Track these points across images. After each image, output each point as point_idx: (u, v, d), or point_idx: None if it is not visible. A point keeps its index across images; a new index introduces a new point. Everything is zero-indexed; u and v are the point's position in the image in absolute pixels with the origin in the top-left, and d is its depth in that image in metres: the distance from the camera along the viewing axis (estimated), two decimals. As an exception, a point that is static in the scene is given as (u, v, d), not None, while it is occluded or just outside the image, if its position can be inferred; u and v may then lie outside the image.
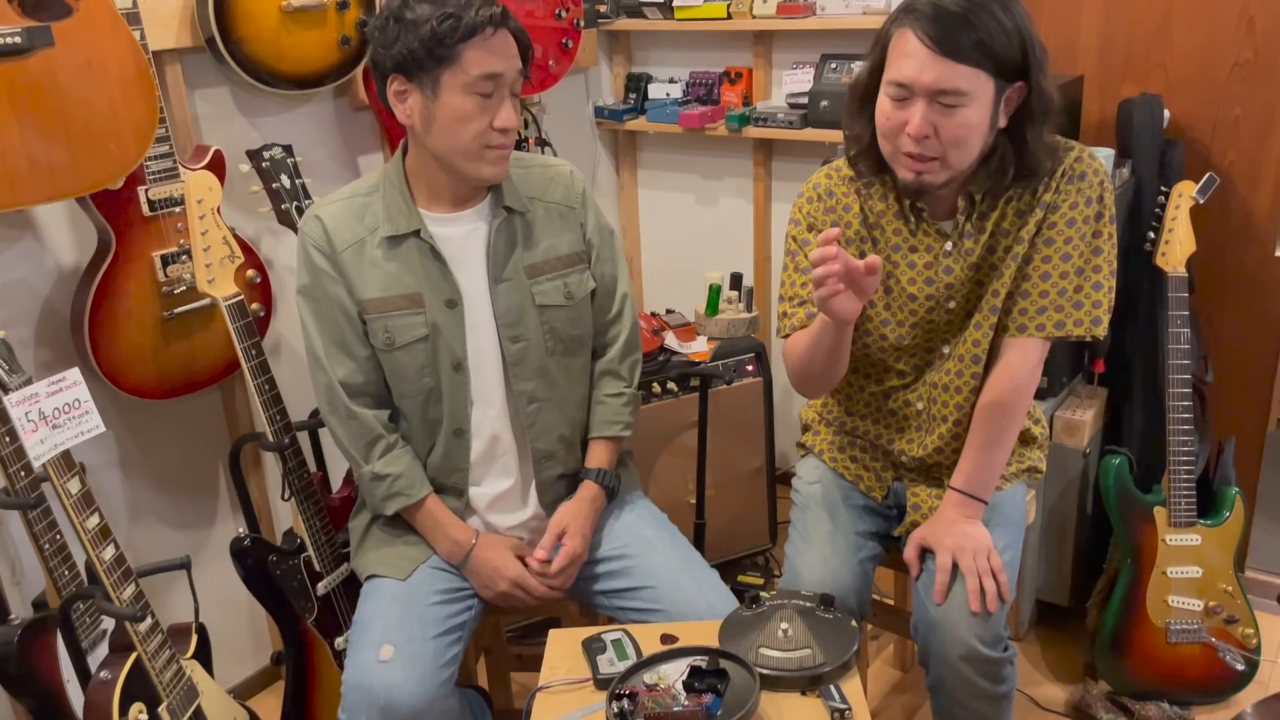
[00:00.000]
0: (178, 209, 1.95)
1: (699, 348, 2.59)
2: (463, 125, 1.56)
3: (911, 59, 1.43)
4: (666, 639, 1.53)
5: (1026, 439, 1.80)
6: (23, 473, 1.59)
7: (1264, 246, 2.35)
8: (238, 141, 2.15)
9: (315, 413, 2.08)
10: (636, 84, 3.08)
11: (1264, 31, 2.24)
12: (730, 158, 3.02)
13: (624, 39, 3.11)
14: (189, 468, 2.26)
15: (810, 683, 1.41)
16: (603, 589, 1.75)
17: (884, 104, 1.50)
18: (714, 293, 2.68)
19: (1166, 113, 2.32)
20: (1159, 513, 2.13)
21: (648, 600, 1.68)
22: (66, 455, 1.53)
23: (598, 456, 1.81)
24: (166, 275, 1.96)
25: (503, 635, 2.15)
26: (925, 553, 1.66)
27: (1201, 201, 2.17)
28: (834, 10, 2.62)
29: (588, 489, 1.79)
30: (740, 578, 2.60)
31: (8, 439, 1.55)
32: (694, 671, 1.37)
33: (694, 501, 2.50)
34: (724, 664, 1.38)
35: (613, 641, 1.52)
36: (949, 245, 1.61)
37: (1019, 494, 1.78)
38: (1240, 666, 2.13)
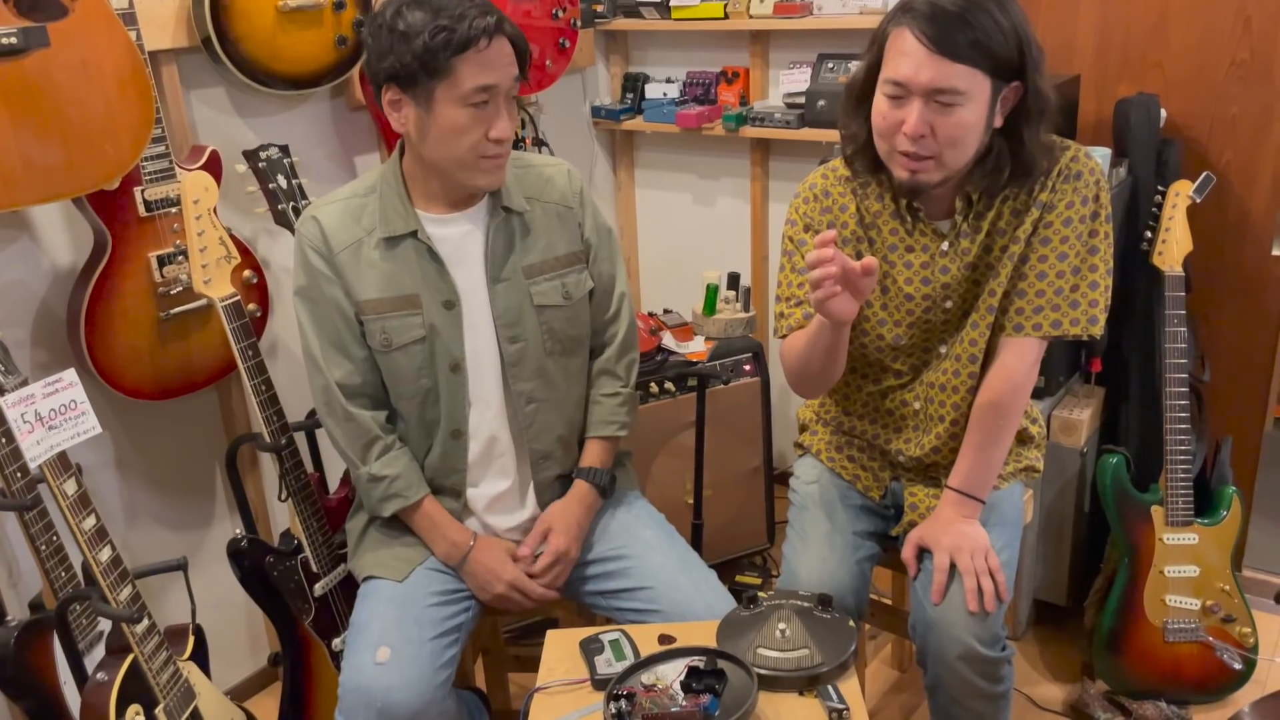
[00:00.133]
0: (174, 209, 1.95)
1: (696, 348, 2.59)
2: (458, 137, 1.55)
3: (908, 58, 1.43)
4: (664, 639, 1.53)
5: (1024, 438, 1.80)
6: (19, 474, 1.58)
7: (1261, 245, 2.36)
8: (234, 142, 2.15)
9: (312, 413, 2.08)
10: (633, 84, 3.08)
11: (1261, 31, 2.24)
12: (727, 157, 3.02)
13: (621, 39, 3.11)
14: (186, 469, 2.25)
15: (808, 683, 1.41)
16: (600, 589, 1.74)
17: (880, 103, 1.50)
18: (711, 293, 2.68)
19: (1163, 112, 2.32)
20: (1156, 512, 2.13)
21: (645, 601, 1.67)
22: (63, 456, 1.53)
23: (591, 456, 1.81)
24: (163, 276, 1.96)
25: (500, 636, 2.15)
26: (923, 552, 1.66)
27: (1198, 201, 2.17)
28: (831, 10, 2.62)
29: (578, 488, 1.78)
30: (738, 578, 2.60)
31: (4, 440, 1.55)
32: (692, 672, 1.37)
33: (691, 501, 2.49)
34: (722, 664, 1.38)
35: (610, 642, 1.52)
36: (945, 245, 1.61)
37: (1016, 493, 1.78)
38: (1238, 665, 2.13)
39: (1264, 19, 2.23)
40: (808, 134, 2.68)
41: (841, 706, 1.36)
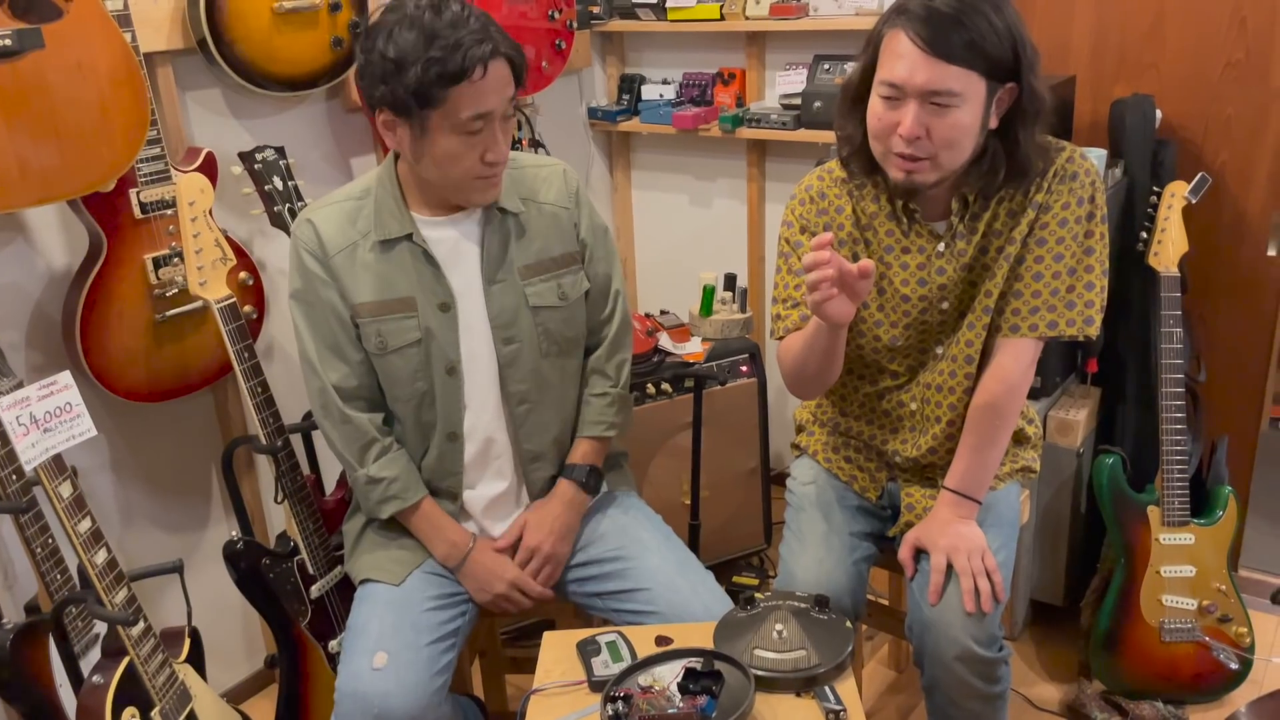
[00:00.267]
0: (169, 211, 1.95)
1: (693, 348, 2.59)
2: (453, 162, 1.54)
3: (903, 60, 1.43)
4: (661, 641, 1.53)
5: (1020, 439, 1.80)
6: (14, 477, 1.58)
7: (1256, 246, 2.36)
8: (230, 143, 2.14)
9: (308, 415, 2.07)
10: (630, 85, 3.08)
11: (1255, 31, 2.25)
12: (724, 158, 3.02)
13: (617, 40, 3.11)
14: (181, 471, 2.25)
15: (805, 684, 1.41)
16: (597, 591, 1.74)
17: (876, 104, 1.50)
18: (708, 294, 2.68)
19: (1159, 113, 2.33)
20: (1152, 512, 2.13)
21: (642, 602, 1.67)
22: (58, 459, 1.52)
23: (577, 454, 1.81)
24: (158, 278, 1.96)
25: (497, 638, 2.15)
26: (920, 553, 1.66)
27: (1194, 201, 2.18)
28: (826, 11, 2.62)
29: (559, 486, 1.78)
30: (735, 579, 2.60)
31: (-1, 443, 1.55)
32: (689, 673, 1.37)
33: (688, 502, 2.49)
34: (719, 665, 1.38)
35: (607, 644, 1.52)
36: (941, 246, 1.61)
37: (1013, 494, 1.78)
38: (1234, 665, 2.14)
39: (1259, 20, 2.24)
40: (804, 135, 2.69)
41: (839, 707, 1.36)
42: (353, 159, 2.45)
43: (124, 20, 1.79)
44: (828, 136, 2.60)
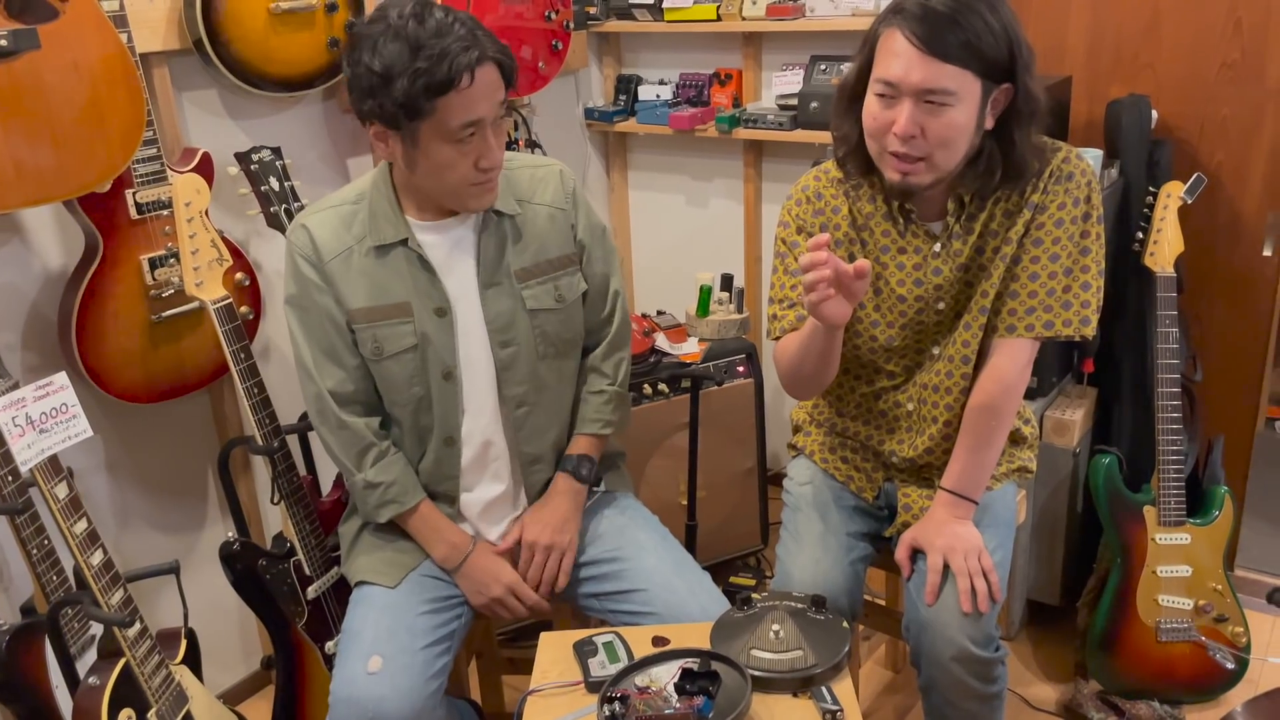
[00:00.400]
0: (165, 212, 1.94)
1: (690, 349, 2.59)
2: (447, 170, 1.53)
3: (899, 59, 1.44)
4: (658, 641, 1.53)
5: (1016, 439, 1.80)
6: (10, 478, 1.58)
7: (1252, 246, 2.36)
8: (226, 144, 2.14)
9: (304, 416, 2.07)
10: (626, 85, 3.08)
11: (1251, 32, 2.25)
12: (720, 159, 3.03)
13: (614, 41, 3.11)
14: (177, 472, 2.25)
15: (802, 684, 1.41)
16: (594, 592, 1.74)
17: (871, 103, 1.51)
18: (705, 294, 2.68)
19: (1154, 113, 2.33)
20: (1149, 512, 2.13)
21: (639, 603, 1.67)
22: (54, 460, 1.52)
23: (572, 449, 1.80)
24: (154, 278, 1.96)
25: (494, 639, 2.15)
26: (916, 553, 1.66)
27: (1190, 201, 2.18)
28: (823, 12, 2.62)
29: (556, 480, 1.77)
30: (732, 579, 2.60)
31: (-6, 444, 1.54)
32: (685, 674, 1.37)
33: (685, 503, 2.49)
34: (715, 666, 1.38)
35: (604, 644, 1.52)
36: (937, 247, 1.62)
37: (1009, 494, 1.78)
38: (1230, 665, 2.14)
39: (1254, 20, 2.24)
40: (800, 135, 2.69)
41: (835, 708, 1.36)
42: (349, 159, 2.45)
43: (120, 21, 1.79)
44: (824, 137, 2.60)
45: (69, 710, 1.67)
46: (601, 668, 1.47)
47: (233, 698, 2.40)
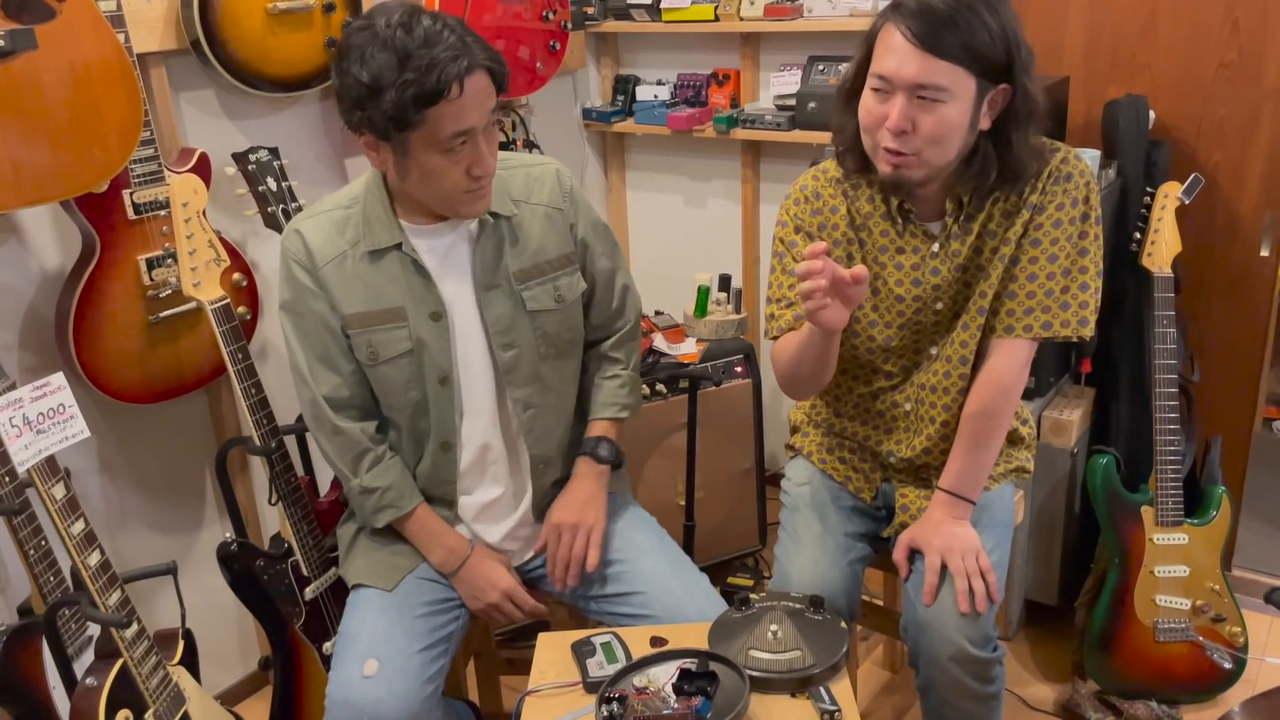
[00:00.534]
0: (163, 212, 1.94)
1: (688, 349, 2.59)
2: (439, 180, 1.51)
3: (894, 54, 1.45)
4: (656, 642, 1.53)
5: (1014, 439, 1.81)
6: (7, 478, 1.57)
7: (1249, 246, 2.36)
8: (223, 144, 2.14)
9: (302, 417, 2.07)
10: (624, 86, 3.08)
11: (1248, 32, 2.25)
12: (718, 159, 3.03)
13: (611, 41, 3.11)
14: (175, 472, 2.24)
15: (800, 684, 1.41)
16: (592, 594, 1.74)
17: (867, 98, 1.52)
18: (702, 294, 2.68)
19: (1152, 113, 2.33)
20: (1146, 512, 2.13)
21: (637, 605, 1.67)
22: (51, 460, 1.52)
23: (590, 432, 1.81)
24: (152, 279, 1.95)
25: (492, 639, 2.15)
26: (914, 554, 1.66)
27: (1187, 202, 2.18)
28: (821, 12, 2.62)
29: (577, 465, 1.77)
30: (730, 579, 2.60)
31: (-9, 445, 1.54)
32: (683, 674, 1.37)
33: (683, 503, 2.49)
34: (713, 666, 1.38)
35: (602, 645, 1.52)
36: (936, 247, 1.62)
37: (1007, 494, 1.78)
38: (1228, 665, 2.14)
39: (1251, 21, 2.24)
40: (798, 136, 2.69)
41: (833, 708, 1.36)
42: (347, 159, 2.44)
43: (117, 21, 1.79)
44: (822, 137, 2.61)
45: (66, 711, 1.67)
46: (600, 668, 1.47)
47: (230, 698, 2.40)
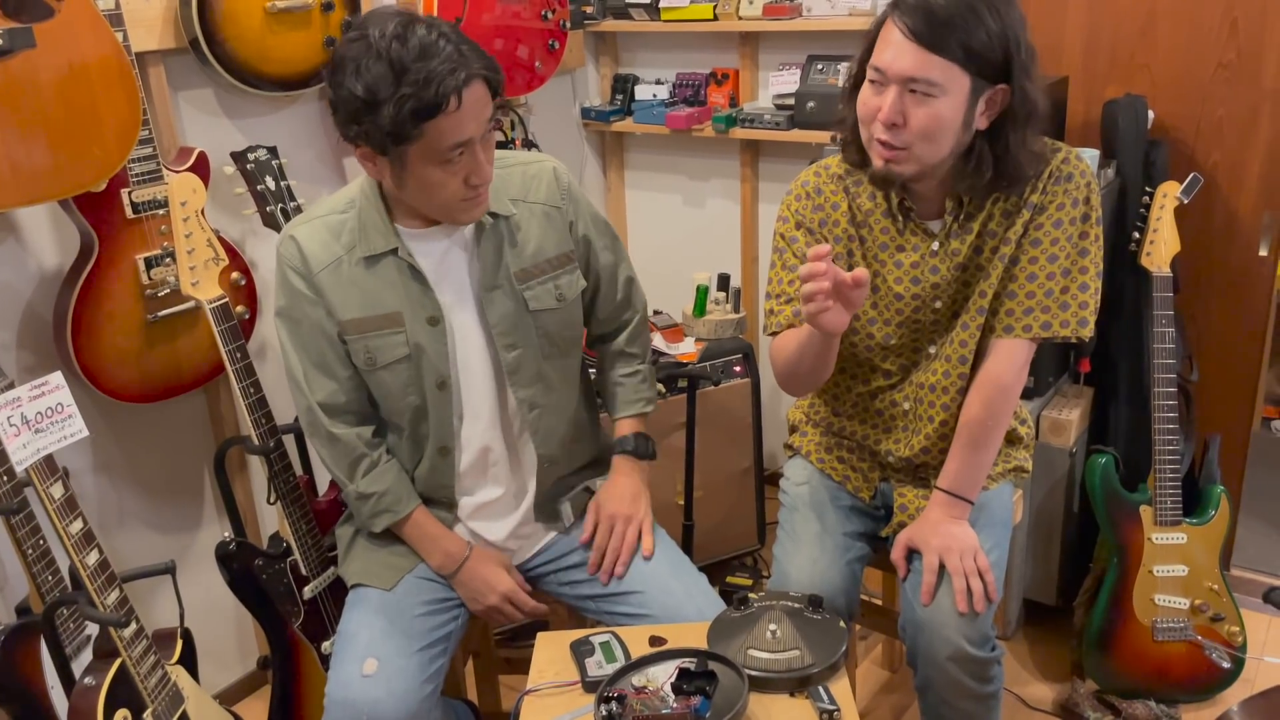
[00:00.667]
0: (161, 211, 1.94)
1: (686, 349, 2.59)
2: (436, 190, 1.50)
3: (891, 47, 1.46)
4: (655, 641, 1.53)
5: (1013, 439, 1.81)
6: (5, 478, 1.57)
7: (1248, 246, 2.37)
8: (222, 143, 2.14)
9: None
10: (623, 85, 3.08)
11: (1247, 33, 2.26)
12: (717, 159, 3.02)
13: (610, 40, 3.11)
14: (173, 471, 2.24)
15: (799, 684, 1.41)
16: (591, 593, 1.74)
17: (864, 90, 1.53)
18: (701, 294, 2.68)
19: (1151, 113, 2.33)
20: (1145, 511, 2.14)
21: (636, 605, 1.67)
22: (49, 460, 1.52)
23: (621, 430, 1.83)
24: (150, 278, 1.95)
25: (491, 638, 2.15)
26: (912, 553, 1.66)
27: (1186, 201, 2.18)
28: (820, 12, 2.62)
29: (614, 461, 1.80)
30: (729, 579, 2.60)
31: (-11, 444, 1.54)
32: (682, 673, 1.37)
33: (682, 503, 2.49)
34: (712, 666, 1.38)
35: (601, 644, 1.52)
36: (936, 245, 1.62)
37: (1005, 494, 1.78)
38: (1226, 664, 2.14)
39: (1250, 21, 2.24)
40: (797, 135, 2.69)
41: (832, 707, 1.36)
42: (345, 158, 2.44)
43: (116, 20, 1.78)
44: (821, 137, 2.61)
45: (64, 711, 1.67)
46: (598, 667, 1.46)
47: (229, 698, 2.40)
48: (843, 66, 2.62)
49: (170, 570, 1.71)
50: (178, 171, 1.93)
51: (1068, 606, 2.37)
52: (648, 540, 1.74)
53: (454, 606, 1.71)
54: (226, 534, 1.91)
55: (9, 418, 1.47)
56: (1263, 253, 2.34)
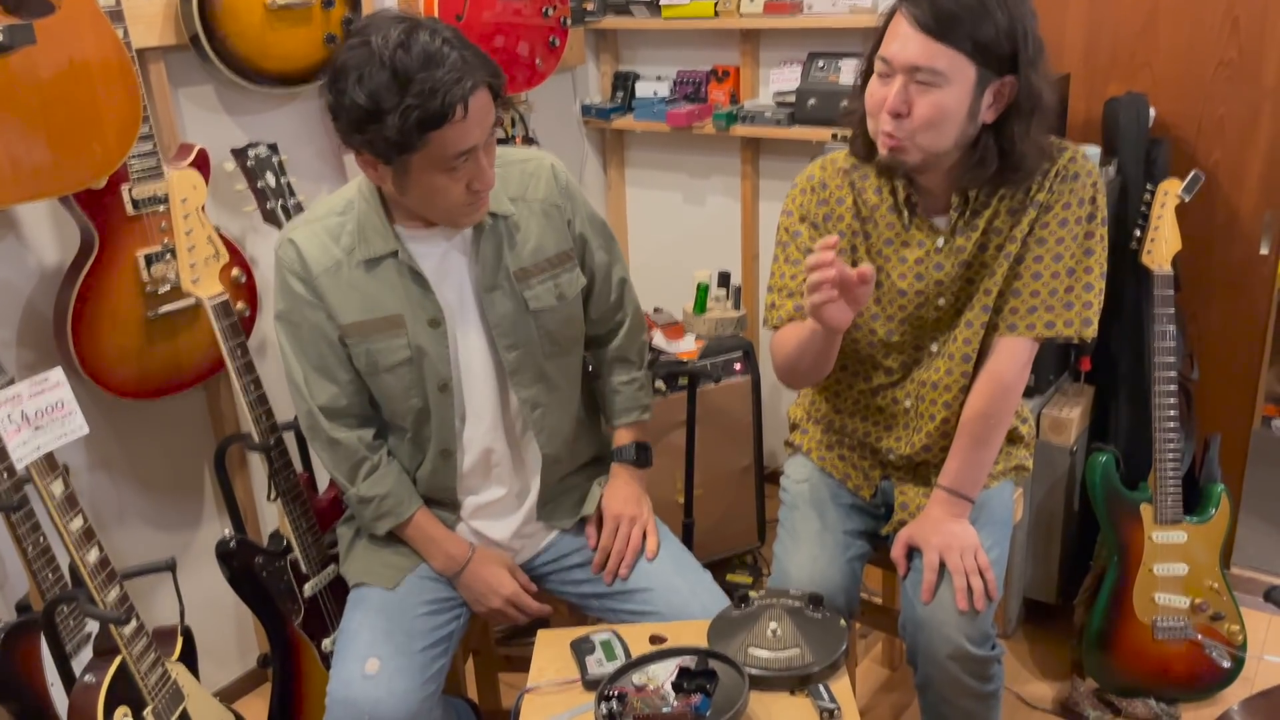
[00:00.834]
0: (162, 208, 1.94)
1: (687, 346, 2.59)
2: (439, 196, 1.49)
3: (898, 38, 1.46)
4: (655, 639, 1.53)
5: (1013, 437, 1.80)
6: (5, 475, 1.57)
7: (1249, 244, 2.36)
8: (222, 140, 2.13)
9: (301, 413, 2.07)
10: (624, 82, 3.07)
11: (1248, 31, 2.25)
12: (718, 156, 3.02)
13: (611, 37, 3.10)
14: (174, 469, 2.24)
15: (799, 682, 1.41)
16: (595, 592, 1.74)
17: (871, 81, 1.53)
18: (702, 291, 2.68)
19: (1152, 111, 2.33)
20: (1145, 510, 2.14)
21: (641, 603, 1.67)
22: (49, 457, 1.51)
23: (618, 440, 1.83)
24: (150, 275, 1.95)
25: (491, 636, 2.15)
26: (913, 551, 1.66)
27: (1187, 199, 2.18)
28: (821, 9, 2.62)
29: (613, 471, 1.81)
30: (729, 577, 2.60)
31: (-10, 441, 1.54)
32: (683, 672, 1.37)
33: (682, 500, 2.49)
34: (713, 664, 1.38)
35: (601, 642, 1.52)
36: (941, 242, 1.61)
37: (1006, 492, 1.78)
38: (1226, 663, 2.14)
39: (1251, 19, 2.24)
40: (798, 132, 2.68)
41: (832, 706, 1.36)
42: (346, 155, 2.44)
43: (116, 16, 1.78)
44: (822, 134, 2.61)
45: (64, 708, 1.67)
46: (599, 666, 1.46)
47: (229, 695, 2.40)
48: (844, 63, 2.61)
49: (170, 567, 1.71)
50: (178, 168, 1.93)
51: (1068, 605, 2.37)
52: (652, 541, 1.74)
53: (455, 606, 1.71)
54: (227, 531, 1.91)
55: (9, 414, 1.46)
56: (1263, 251, 2.34)
